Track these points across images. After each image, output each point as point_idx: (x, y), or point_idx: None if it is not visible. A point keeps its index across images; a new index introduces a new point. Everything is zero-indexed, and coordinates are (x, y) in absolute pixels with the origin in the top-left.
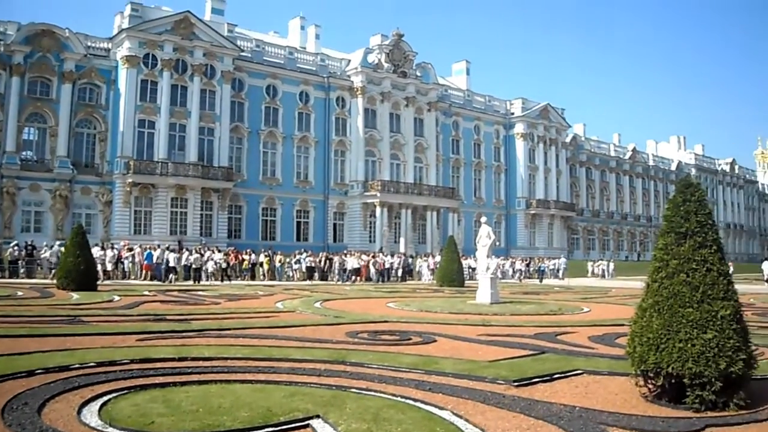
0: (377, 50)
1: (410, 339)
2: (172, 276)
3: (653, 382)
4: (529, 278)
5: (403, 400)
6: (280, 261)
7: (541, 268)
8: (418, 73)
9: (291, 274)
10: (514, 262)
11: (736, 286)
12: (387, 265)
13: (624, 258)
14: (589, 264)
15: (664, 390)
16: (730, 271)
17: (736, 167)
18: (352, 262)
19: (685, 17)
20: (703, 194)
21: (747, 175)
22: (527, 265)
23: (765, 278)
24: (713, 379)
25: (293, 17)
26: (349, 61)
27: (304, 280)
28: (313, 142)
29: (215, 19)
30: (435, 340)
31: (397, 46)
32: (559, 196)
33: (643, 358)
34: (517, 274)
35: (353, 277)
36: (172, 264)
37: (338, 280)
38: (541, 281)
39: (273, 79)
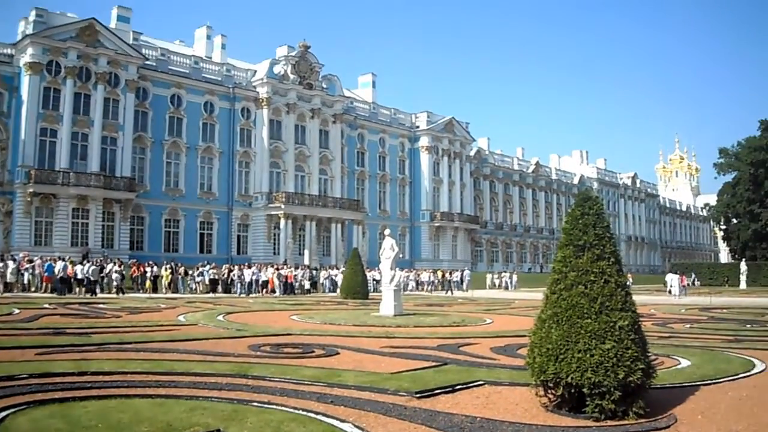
0: (283, 61)
1: (313, 352)
2: (76, 288)
3: (553, 392)
4: (435, 290)
5: (304, 413)
6: (182, 273)
7: (450, 280)
8: (324, 85)
9: (194, 287)
10: (419, 274)
11: (638, 297)
12: (291, 278)
13: (527, 270)
14: (488, 276)
15: (564, 400)
16: (629, 283)
17: (638, 181)
18: (249, 274)
19: (586, 35)
20: (601, 207)
21: (648, 189)
22: (441, 277)
23: (668, 289)
24: (612, 389)
25: (200, 26)
26: (255, 71)
27: (207, 292)
28: (218, 153)
29: (121, 27)
30: (338, 353)
31: (304, 57)
32: (463, 209)
33: (543, 368)
34: (429, 286)
35: (262, 290)
36: (80, 276)
37: (240, 293)
38: (451, 293)
39: (178, 88)
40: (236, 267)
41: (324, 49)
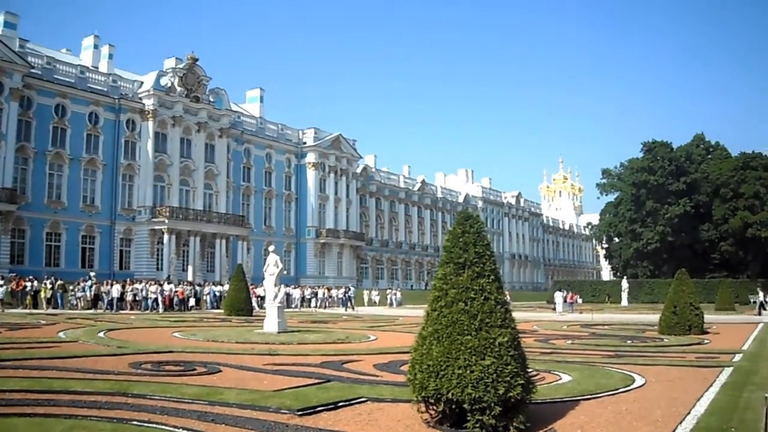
0: (171, 73)
1: (195, 369)
2: None
3: (435, 408)
4: (323, 307)
5: (185, 431)
6: (63, 288)
7: (349, 296)
8: (211, 99)
9: (75, 303)
10: (304, 290)
11: (522, 314)
12: (173, 294)
13: (409, 287)
14: (365, 292)
15: (446, 415)
16: (507, 300)
17: (522, 200)
18: (114, 291)
19: (472, 55)
20: (482, 226)
21: (532, 208)
22: (327, 293)
23: (553, 307)
24: (492, 404)
25: (87, 35)
26: (142, 83)
27: (89, 308)
28: (101, 165)
29: (7, 33)
30: (220, 371)
31: (191, 70)
32: (349, 226)
33: (424, 384)
34: (319, 302)
35: (156, 307)
36: None
37: (107, 309)
38: (353, 309)
39: (63, 98)
40: (115, 283)
41: (213, 63)
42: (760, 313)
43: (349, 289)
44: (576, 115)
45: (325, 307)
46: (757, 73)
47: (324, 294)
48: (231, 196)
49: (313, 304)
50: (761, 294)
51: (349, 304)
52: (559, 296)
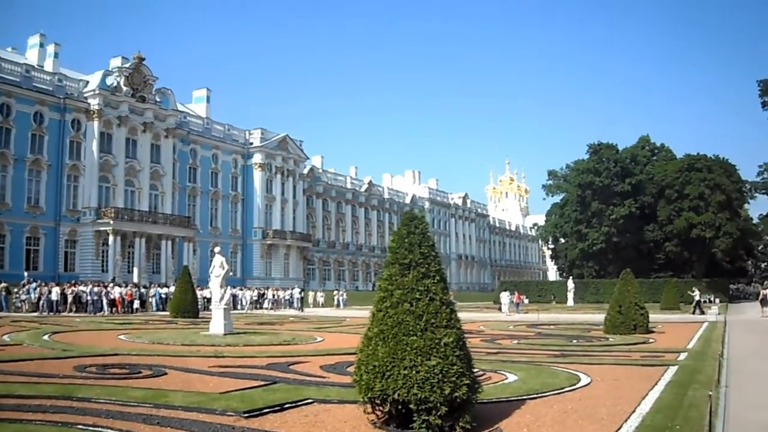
0: (117, 73)
1: (140, 372)
2: None
3: (381, 408)
4: (260, 308)
5: None
6: (7, 291)
7: (299, 297)
8: (158, 99)
9: (20, 305)
10: (250, 291)
11: (469, 314)
12: (118, 296)
13: (356, 288)
14: (311, 293)
15: (392, 416)
16: (453, 300)
17: (469, 201)
18: (54, 294)
19: (419, 57)
20: (427, 227)
21: (479, 209)
22: (274, 294)
23: (499, 307)
24: (438, 404)
25: (33, 34)
26: (88, 82)
27: (34, 311)
28: (46, 166)
29: None
30: (166, 373)
31: (138, 69)
32: (296, 227)
33: (370, 385)
34: (270, 303)
35: (101, 309)
36: None
37: (45, 312)
38: (302, 311)
39: (7, 97)
40: (59, 285)
41: (159, 62)
42: (694, 313)
43: (301, 291)
44: (523, 117)
45: (272, 309)
46: (701, 76)
47: (273, 295)
48: (177, 197)
49: (261, 305)
50: (697, 293)
51: (299, 305)
52: (505, 296)
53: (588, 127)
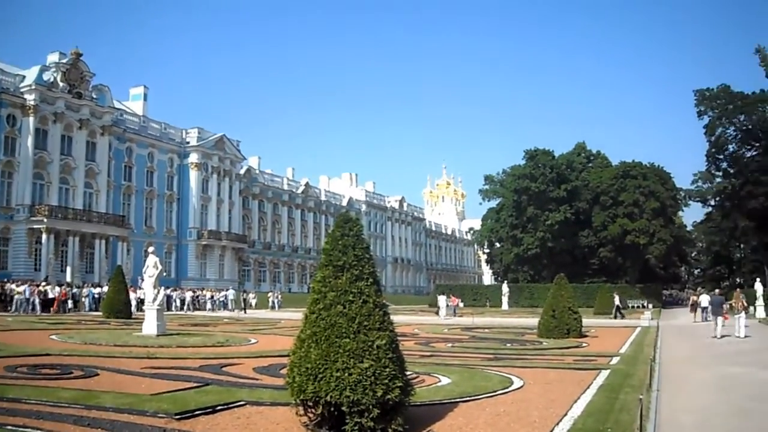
0: (54, 68)
1: (71, 373)
2: None
3: (313, 411)
4: (194, 310)
5: None
6: None
7: (231, 299)
8: (94, 95)
9: None
10: (185, 292)
11: (404, 317)
12: (52, 295)
13: (291, 290)
14: (242, 295)
15: (324, 418)
16: (386, 303)
17: (405, 204)
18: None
19: (356, 60)
20: (361, 229)
21: (415, 212)
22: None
23: (436, 311)
24: (371, 407)
25: None
26: (24, 77)
27: None
28: None
29: None
30: (97, 374)
31: (75, 65)
32: (232, 228)
33: (303, 387)
34: (212, 304)
35: (33, 308)
36: None
37: None
38: (244, 312)
39: None
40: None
41: (97, 59)
42: (615, 317)
43: (246, 293)
44: (460, 121)
45: (206, 310)
46: (639, 83)
47: (210, 296)
48: (111, 196)
49: (196, 306)
50: (617, 298)
51: (234, 306)
52: (442, 300)
53: (525, 133)
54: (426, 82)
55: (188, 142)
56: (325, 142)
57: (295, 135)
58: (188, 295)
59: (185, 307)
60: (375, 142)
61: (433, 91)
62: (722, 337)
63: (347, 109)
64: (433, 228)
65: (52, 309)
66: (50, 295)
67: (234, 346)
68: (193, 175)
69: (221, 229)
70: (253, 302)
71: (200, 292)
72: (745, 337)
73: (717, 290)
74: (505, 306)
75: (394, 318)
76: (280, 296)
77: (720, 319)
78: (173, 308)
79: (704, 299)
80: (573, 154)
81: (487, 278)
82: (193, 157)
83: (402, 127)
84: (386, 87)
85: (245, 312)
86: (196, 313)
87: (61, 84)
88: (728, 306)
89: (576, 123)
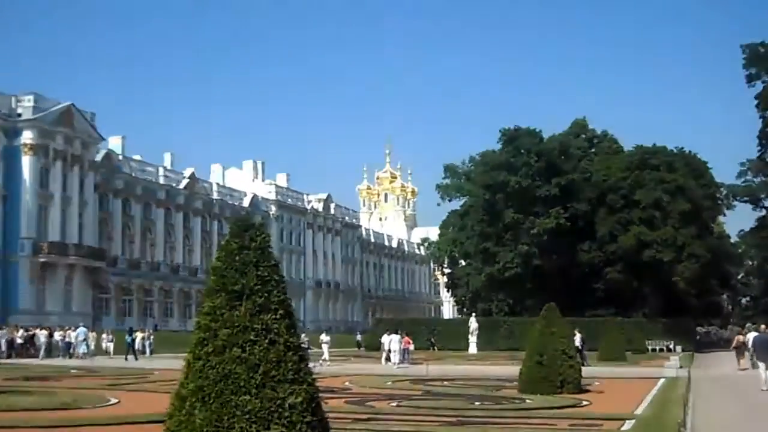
0: None
1: None
2: None
3: None
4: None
5: None
6: None
7: (80, 340)
8: None
9: None
10: (13, 333)
11: (330, 367)
12: None
13: (167, 327)
14: (91, 335)
15: None
16: (305, 344)
17: (333, 206)
18: None
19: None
20: (268, 240)
21: (347, 217)
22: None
23: (383, 356)
24: None
25: None
26: None
27: None
28: None
29: None
30: None
31: None
32: (83, 239)
33: None
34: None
35: None
36: None
37: None
38: (135, 358)
39: None
40: None
41: None
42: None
43: (79, 330)
44: (410, 91)
45: (46, 357)
46: (660, 38)
47: (50, 336)
48: None
49: (29, 352)
50: (578, 337)
51: (79, 352)
52: (395, 341)
53: (502, 106)
54: (360, 41)
55: (20, 114)
56: (219, 119)
57: (176, 109)
58: (18, 335)
59: (12, 353)
60: (289, 118)
61: (368, 50)
62: None
63: (247, 75)
64: (372, 239)
65: None
66: None
67: (85, 409)
68: (27, 162)
69: (68, 240)
70: (111, 346)
71: (36, 331)
72: None
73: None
74: (472, 349)
75: (316, 366)
76: (152, 336)
77: None
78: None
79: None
80: (569, 135)
81: (448, 310)
82: (27, 136)
83: (327, 101)
84: (301, 49)
85: (136, 358)
86: (29, 361)
87: None
88: None
89: (573, 93)
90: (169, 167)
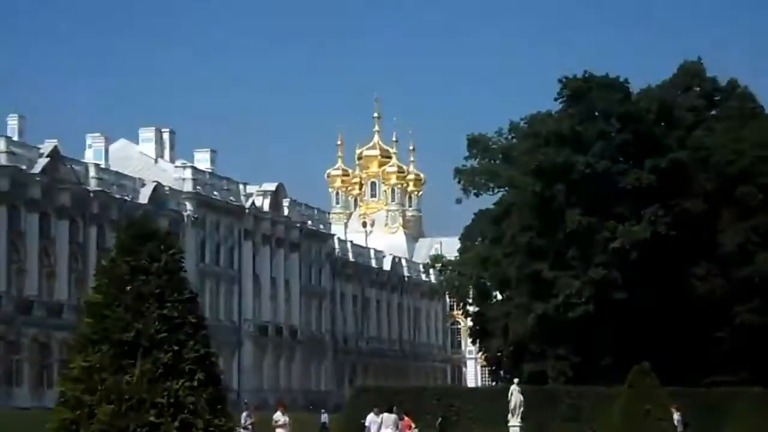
0: None
1: None
2: None
3: None
4: None
5: None
6: None
7: None
8: None
9: None
10: None
11: None
12: None
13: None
14: None
15: None
16: (246, 429)
17: (287, 202)
18: None
19: None
20: (180, 256)
21: (310, 221)
22: None
23: None
24: None
25: None
26: None
27: None
28: None
29: None
30: None
31: None
32: None
33: None
34: None
35: None
36: None
37: None
38: None
39: None
40: None
41: None
42: None
43: None
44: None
45: None
46: None
47: None
48: None
49: None
50: (676, 416)
51: None
52: (387, 424)
53: (559, 49)
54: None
55: None
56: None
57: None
58: None
59: None
60: (213, 65)
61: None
62: None
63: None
64: (351, 257)
65: None
66: None
67: None
68: None
69: None
70: None
71: None
72: None
73: None
74: (515, 429)
75: None
76: None
77: None
78: None
79: None
80: (673, 86)
81: (474, 373)
82: None
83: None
84: None
85: None
86: None
87: None
88: None
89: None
90: (15, 138)
